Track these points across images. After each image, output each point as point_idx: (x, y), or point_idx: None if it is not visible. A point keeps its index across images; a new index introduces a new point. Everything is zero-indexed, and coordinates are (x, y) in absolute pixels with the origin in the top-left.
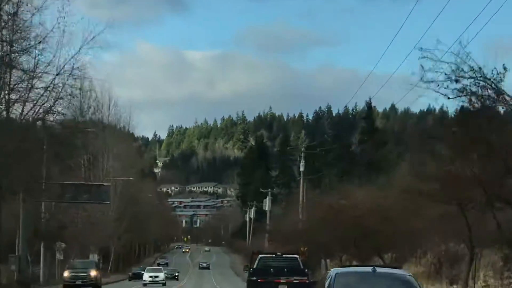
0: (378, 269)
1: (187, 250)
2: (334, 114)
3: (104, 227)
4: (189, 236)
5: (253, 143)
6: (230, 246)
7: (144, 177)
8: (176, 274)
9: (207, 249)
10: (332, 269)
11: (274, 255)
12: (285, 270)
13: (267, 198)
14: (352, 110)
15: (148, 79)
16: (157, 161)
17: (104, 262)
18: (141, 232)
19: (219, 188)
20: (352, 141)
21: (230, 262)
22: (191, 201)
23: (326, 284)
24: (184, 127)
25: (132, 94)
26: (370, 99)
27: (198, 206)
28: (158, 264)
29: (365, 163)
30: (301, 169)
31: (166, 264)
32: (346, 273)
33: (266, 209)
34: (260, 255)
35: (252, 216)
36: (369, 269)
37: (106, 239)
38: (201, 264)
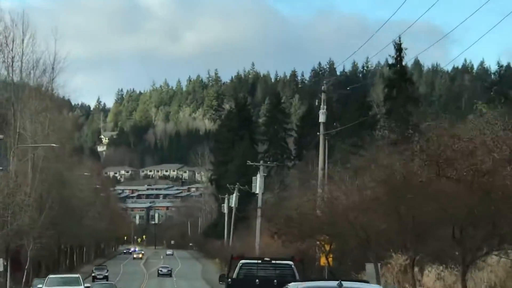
0: (345, 284)
1: (140, 255)
2: (338, 73)
3: (15, 218)
4: (144, 237)
5: (232, 107)
6: (201, 249)
7: (81, 156)
8: None
9: (169, 252)
10: (291, 284)
11: (260, 261)
12: (275, 281)
13: (258, 176)
14: (363, 67)
15: (90, 31)
16: (102, 137)
17: (17, 271)
18: (75, 229)
19: (185, 172)
20: (368, 102)
21: (201, 271)
22: (147, 189)
23: None
24: (138, 91)
25: (68, 50)
26: (399, 38)
27: (157, 196)
28: (94, 278)
29: (393, 129)
30: (321, 119)
31: (106, 277)
32: None
33: (257, 191)
34: (242, 261)
35: (233, 205)
36: (334, 283)
37: (18, 236)
38: (161, 271)
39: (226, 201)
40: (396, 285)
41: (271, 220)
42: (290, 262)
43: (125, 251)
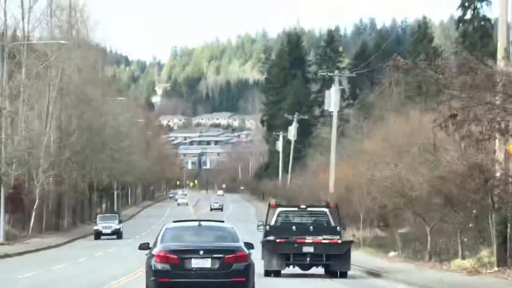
0: (204, 223)
1: (185, 200)
2: (379, 28)
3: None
4: (196, 181)
5: (284, 46)
6: (252, 192)
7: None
8: None
9: (219, 193)
10: (165, 224)
11: (297, 208)
12: (311, 228)
13: (332, 90)
14: (402, 23)
15: None
16: (156, 88)
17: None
18: (107, 163)
19: (235, 120)
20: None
21: (256, 214)
22: (199, 136)
23: (158, 238)
24: (191, 48)
25: (123, 14)
26: None
27: (208, 143)
28: (98, 234)
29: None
30: None
31: (116, 232)
32: (174, 228)
33: (331, 108)
34: (279, 209)
35: (292, 137)
36: (196, 223)
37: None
38: (213, 205)
39: (280, 137)
40: None
41: (443, 88)
42: (325, 209)
43: (171, 195)
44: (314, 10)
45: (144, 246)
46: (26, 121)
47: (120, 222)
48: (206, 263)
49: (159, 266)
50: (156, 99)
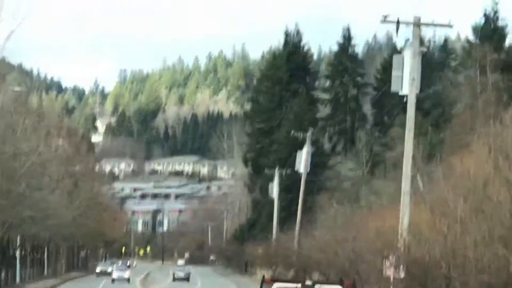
0: None
1: (125, 273)
2: (362, 45)
3: None
4: (148, 249)
5: (278, 51)
6: (229, 263)
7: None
8: None
9: (180, 263)
10: None
11: (300, 285)
12: None
13: (408, 52)
14: (429, 41)
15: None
16: (97, 124)
17: None
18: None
19: (203, 166)
20: None
21: None
22: (154, 188)
23: None
24: (145, 72)
25: (57, 32)
26: None
27: (167, 196)
28: None
29: None
30: None
31: None
32: None
33: (404, 90)
34: (276, 285)
35: (302, 169)
36: None
37: None
38: (177, 274)
39: (276, 176)
40: None
41: None
42: (338, 287)
43: (98, 270)
44: (312, 21)
45: None
46: None
47: None
48: None
49: None
50: (97, 138)
